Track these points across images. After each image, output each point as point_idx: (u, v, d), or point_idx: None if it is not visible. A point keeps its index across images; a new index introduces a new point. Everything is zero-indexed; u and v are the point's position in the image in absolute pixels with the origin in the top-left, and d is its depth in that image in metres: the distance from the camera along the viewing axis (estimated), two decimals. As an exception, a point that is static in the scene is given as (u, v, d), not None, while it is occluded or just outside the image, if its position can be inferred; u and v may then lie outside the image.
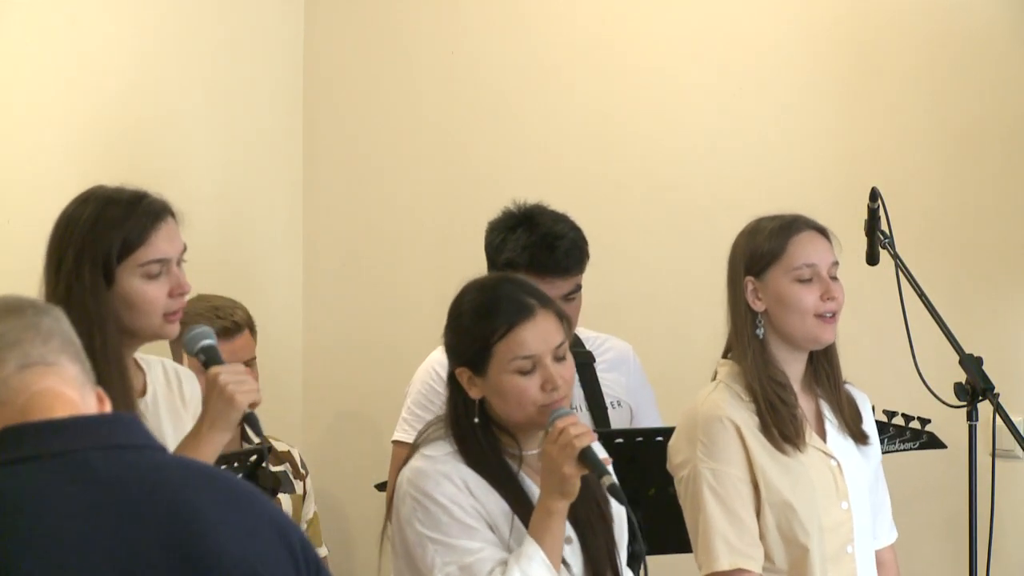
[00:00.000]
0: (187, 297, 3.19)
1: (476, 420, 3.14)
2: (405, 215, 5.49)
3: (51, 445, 1.93)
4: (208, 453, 3.01)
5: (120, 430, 2.00)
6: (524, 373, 3.10)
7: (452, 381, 3.20)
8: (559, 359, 3.13)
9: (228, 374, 3.05)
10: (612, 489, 3.00)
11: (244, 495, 2.02)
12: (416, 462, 3.16)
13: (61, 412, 1.98)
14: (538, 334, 3.12)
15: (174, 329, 3.17)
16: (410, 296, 5.44)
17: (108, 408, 2.05)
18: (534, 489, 3.14)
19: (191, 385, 3.33)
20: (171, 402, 3.27)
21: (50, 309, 2.06)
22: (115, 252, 3.10)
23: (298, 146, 5.56)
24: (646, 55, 5.18)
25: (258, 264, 5.44)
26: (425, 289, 5.38)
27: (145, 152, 4.92)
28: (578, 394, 4.22)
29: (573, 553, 3.17)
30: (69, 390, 2.00)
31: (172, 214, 3.20)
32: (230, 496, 1.99)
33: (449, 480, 3.11)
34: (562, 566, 3.12)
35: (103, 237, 3.11)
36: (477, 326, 3.14)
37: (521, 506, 3.13)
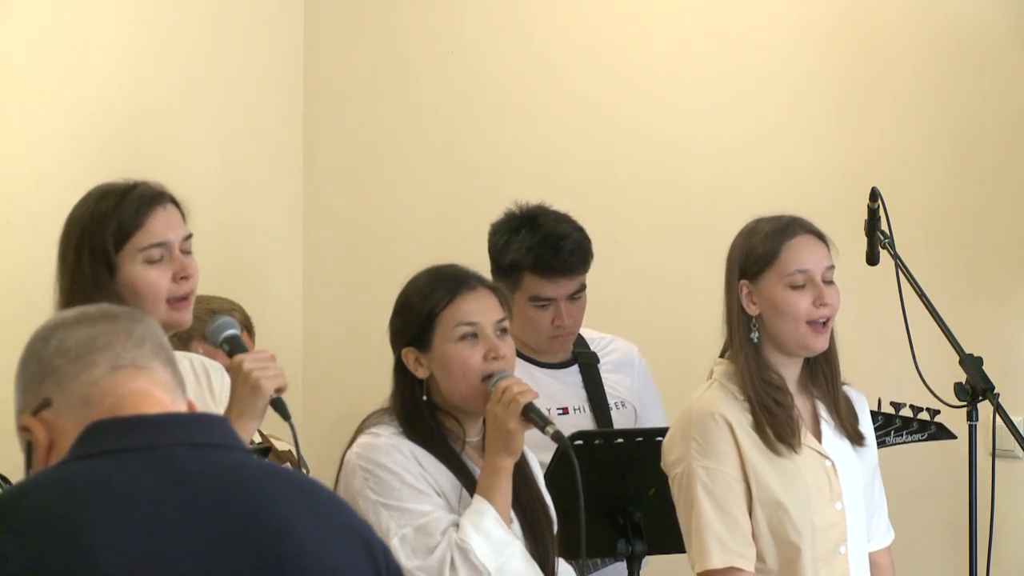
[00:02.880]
0: (193, 282, 3.16)
1: (424, 398, 3.27)
2: (405, 215, 5.49)
3: (136, 440, 1.93)
4: None
5: (206, 429, 2.00)
6: (467, 339, 3.25)
7: (398, 369, 3.34)
8: (501, 332, 3.28)
9: (252, 361, 3.05)
10: (556, 437, 3.15)
11: (328, 501, 2.02)
12: (363, 439, 3.29)
13: (149, 411, 1.98)
14: (480, 305, 3.27)
15: (183, 317, 3.15)
16: (410, 296, 5.43)
17: None
18: (476, 471, 3.25)
19: (220, 378, 3.31)
20: (200, 396, 3.24)
21: (144, 317, 2.08)
22: (111, 239, 3.10)
23: (298, 146, 5.56)
24: (646, 55, 5.18)
25: (258, 264, 5.44)
26: (425, 289, 5.37)
27: (145, 152, 4.91)
28: (582, 394, 4.24)
29: (516, 533, 3.26)
30: (159, 392, 2.01)
31: (172, 200, 3.20)
32: (313, 500, 1.99)
33: (398, 450, 3.23)
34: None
35: (99, 227, 3.11)
36: (422, 302, 3.30)
37: (467, 479, 3.24)
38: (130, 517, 1.86)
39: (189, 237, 3.19)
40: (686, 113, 5.13)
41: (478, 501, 3.18)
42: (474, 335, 3.25)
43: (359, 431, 3.33)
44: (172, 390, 2.03)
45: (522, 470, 3.28)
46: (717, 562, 3.34)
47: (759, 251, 3.42)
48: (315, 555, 1.93)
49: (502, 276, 4.10)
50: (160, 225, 3.14)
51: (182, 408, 2.03)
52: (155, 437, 1.94)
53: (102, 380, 1.99)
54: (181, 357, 3.29)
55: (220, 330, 3.16)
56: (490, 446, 3.20)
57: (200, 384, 3.28)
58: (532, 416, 3.17)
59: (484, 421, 3.27)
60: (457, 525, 3.17)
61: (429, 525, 3.17)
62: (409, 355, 3.31)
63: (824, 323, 3.41)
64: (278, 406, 3.08)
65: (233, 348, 3.14)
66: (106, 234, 3.10)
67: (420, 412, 3.27)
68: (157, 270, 3.12)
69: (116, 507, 1.86)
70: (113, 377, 1.99)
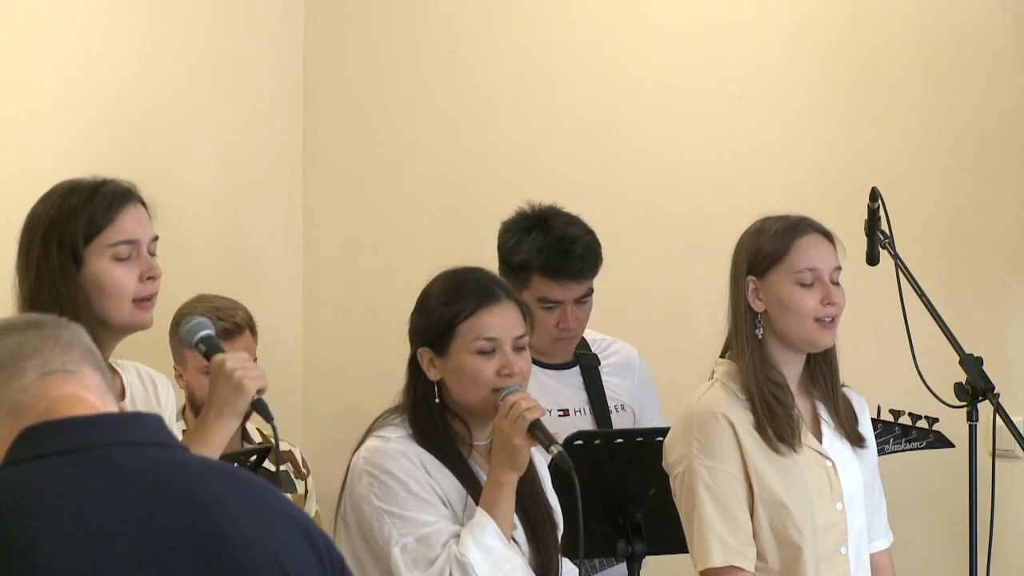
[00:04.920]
0: (159, 283, 3.14)
1: (437, 401, 3.27)
2: (405, 215, 5.49)
3: (73, 441, 1.94)
4: (217, 442, 2.97)
5: (141, 427, 2.00)
6: (483, 354, 3.24)
7: (412, 364, 3.33)
8: (518, 349, 3.27)
9: (234, 360, 3.03)
10: (560, 457, 3.14)
11: (265, 492, 2.03)
12: (371, 442, 3.28)
13: (81, 414, 1.98)
14: (502, 320, 3.26)
15: (146, 318, 3.11)
16: (410, 296, 5.40)
17: None
18: (483, 476, 3.25)
19: (166, 390, 3.30)
20: (147, 403, 3.22)
21: (70, 323, 2.08)
22: (81, 233, 3.07)
23: (298, 146, 5.56)
24: (647, 56, 5.18)
25: (258, 264, 5.44)
26: (425, 289, 5.37)
27: (145, 152, 4.91)
28: (582, 396, 4.24)
29: (519, 538, 3.27)
30: (90, 396, 2.01)
31: (141, 200, 3.17)
32: (251, 492, 2.00)
33: (406, 457, 3.23)
34: (512, 541, 3.22)
35: (69, 220, 3.08)
36: (444, 307, 3.28)
37: (473, 487, 3.24)
38: (76, 517, 1.87)
39: (156, 239, 3.16)
40: (687, 113, 5.13)
41: (480, 514, 3.18)
42: (492, 350, 3.25)
43: (369, 431, 3.32)
44: (103, 394, 2.03)
45: (527, 475, 3.27)
46: (718, 560, 3.35)
47: (768, 248, 3.44)
48: (258, 544, 1.94)
49: (510, 275, 4.10)
50: (131, 223, 3.11)
51: (113, 410, 2.03)
52: (91, 437, 1.95)
53: (32, 387, 1.99)
54: (128, 365, 3.26)
55: (195, 331, 3.13)
56: (495, 460, 3.21)
57: (147, 392, 3.25)
58: (538, 433, 3.17)
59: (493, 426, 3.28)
60: (458, 535, 3.17)
61: (431, 536, 3.17)
62: (424, 355, 3.30)
63: (831, 320, 3.43)
64: (260, 407, 3.06)
65: (209, 348, 3.11)
66: (76, 227, 3.07)
67: (430, 412, 3.28)
68: (124, 268, 3.09)
69: (62, 509, 1.87)
70: (43, 383, 1.99)
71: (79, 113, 4.73)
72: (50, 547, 1.84)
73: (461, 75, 5.41)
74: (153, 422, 2.02)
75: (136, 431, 1.99)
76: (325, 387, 5.56)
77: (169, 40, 5.05)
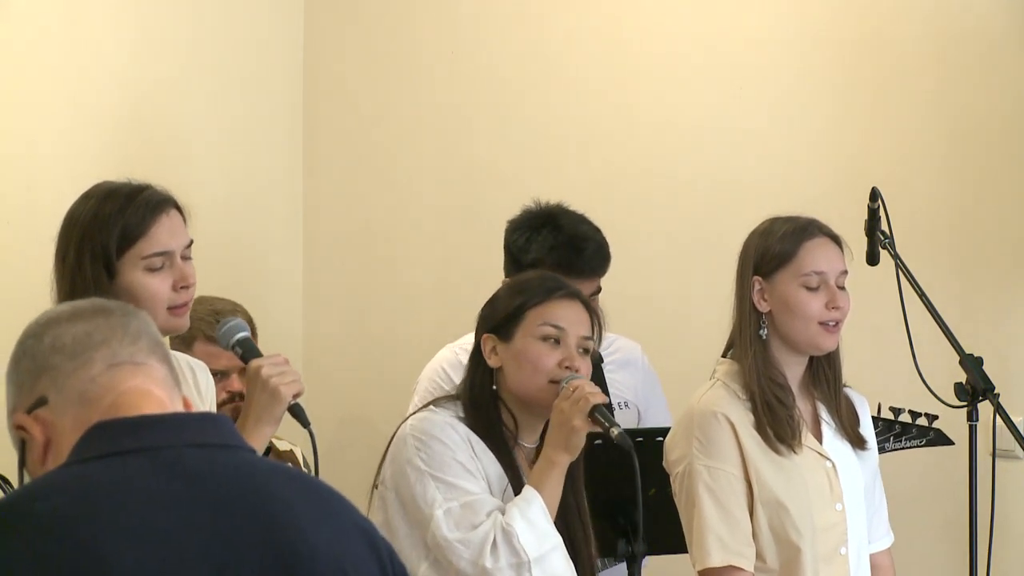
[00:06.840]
0: (193, 290, 3.15)
1: (494, 387, 3.28)
2: (405, 215, 5.49)
3: (144, 440, 1.91)
4: (255, 448, 2.99)
5: (211, 429, 1.98)
6: (548, 340, 3.27)
7: (475, 352, 3.35)
8: (583, 350, 3.30)
9: (270, 366, 3.04)
10: (621, 438, 3.17)
11: (333, 499, 2.00)
12: (421, 414, 3.31)
13: (150, 410, 1.96)
14: (571, 314, 3.30)
15: (181, 323, 3.14)
16: (411, 296, 5.44)
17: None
18: (523, 475, 3.27)
19: (205, 376, 3.31)
20: (189, 394, 3.23)
21: (137, 312, 2.05)
22: (114, 245, 3.08)
23: (298, 146, 5.56)
24: (646, 55, 5.18)
25: (258, 264, 5.44)
26: (426, 289, 5.38)
27: (145, 152, 4.91)
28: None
29: None
30: (158, 390, 1.99)
31: (176, 206, 3.18)
32: (320, 499, 1.98)
33: (453, 429, 3.25)
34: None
35: (101, 230, 3.09)
36: (515, 295, 3.33)
37: (514, 476, 3.26)
38: (145, 520, 1.84)
39: (190, 244, 3.18)
40: (686, 113, 5.13)
41: (528, 490, 3.21)
42: (556, 340, 3.28)
43: (418, 411, 3.36)
44: (170, 387, 2.01)
45: (575, 485, 3.30)
46: (716, 560, 3.36)
47: (776, 249, 3.45)
48: (327, 554, 1.92)
49: (519, 273, 4.07)
50: (164, 233, 3.12)
51: (179, 405, 2.02)
52: (161, 438, 1.92)
53: (100, 377, 1.96)
54: None
55: (231, 333, 3.15)
56: (550, 440, 3.23)
57: (187, 382, 3.24)
58: (599, 417, 3.20)
59: (542, 431, 3.30)
60: (502, 511, 3.19)
61: (475, 503, 3.19)
62: (488, 342, 3.33)
63: (835, 324, 3.43)
64: (297, 412, 3.06)
65: (246, 352, 3.13)
66: (109, 238, 3.08)
67: (485, 400, 3.30)
68: (158, 278, 3.10)
69: (130, 510, 1.85)
70: (111, 374, 1.97)
71: (78, 114, 4.73)
72: (117, 549, 1.81)
73: (461, 75, 5.41)
74: (222, 423, 2.00)
75: (206, 432, 1.97)
76: (325, 389, 5.55)
77: (169, 40, 5.05)
